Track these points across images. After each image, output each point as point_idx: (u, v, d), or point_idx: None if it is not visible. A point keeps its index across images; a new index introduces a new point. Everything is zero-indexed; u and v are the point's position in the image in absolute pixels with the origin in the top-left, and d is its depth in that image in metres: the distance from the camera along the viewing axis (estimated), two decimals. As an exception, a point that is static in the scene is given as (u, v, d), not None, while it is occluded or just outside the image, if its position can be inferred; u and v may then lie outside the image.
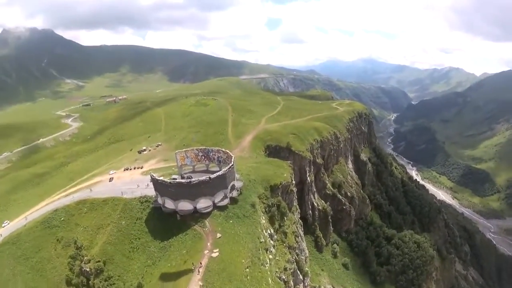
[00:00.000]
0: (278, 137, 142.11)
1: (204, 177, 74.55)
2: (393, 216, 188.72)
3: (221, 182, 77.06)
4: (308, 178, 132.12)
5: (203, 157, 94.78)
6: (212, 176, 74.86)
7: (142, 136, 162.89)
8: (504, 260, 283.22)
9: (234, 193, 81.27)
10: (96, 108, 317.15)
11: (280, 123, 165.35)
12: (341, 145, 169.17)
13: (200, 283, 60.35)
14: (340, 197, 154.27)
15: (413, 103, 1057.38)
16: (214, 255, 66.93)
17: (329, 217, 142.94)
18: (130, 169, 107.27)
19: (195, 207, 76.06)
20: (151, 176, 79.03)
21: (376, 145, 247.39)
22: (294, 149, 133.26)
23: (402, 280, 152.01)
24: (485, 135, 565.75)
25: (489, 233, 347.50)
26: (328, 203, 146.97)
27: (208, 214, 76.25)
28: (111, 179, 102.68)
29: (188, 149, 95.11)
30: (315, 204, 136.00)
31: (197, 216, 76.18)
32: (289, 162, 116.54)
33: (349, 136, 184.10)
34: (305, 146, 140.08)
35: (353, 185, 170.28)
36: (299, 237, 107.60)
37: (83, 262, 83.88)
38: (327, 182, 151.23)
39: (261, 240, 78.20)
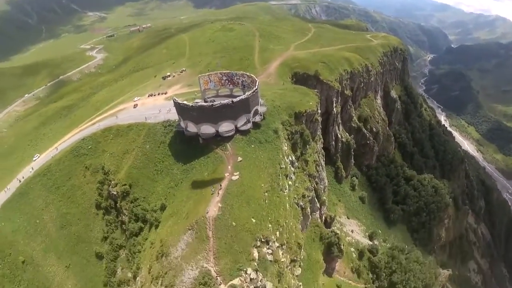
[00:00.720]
0: (307, 64, 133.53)
1: (226, 100, 71.88)
2: (415, 158, 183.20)
3: (244, 106, 74.36)
4: (334, 109, 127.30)
5: (227, 81, 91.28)
6: (235, 99, 72.10)
7: (166, 63, 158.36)
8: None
9: (257, 118, 78.86)
10: (120, 39, 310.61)
11: (310, 50, 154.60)
12: (372, 79, 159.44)
13: (220, 205, 60.47)
14: (365, 131, 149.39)
15: (452, 46, 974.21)
16: (234, 178, 66.42)
17: (352, 150, 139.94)
18: (154, 95, 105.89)
19: (217, 131, 74.61)
20: (173, 100, 77.10)
21: (408, 83, 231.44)
22: (322, 78, 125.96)
23: (414, 221, 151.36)
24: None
25: (506, 193, 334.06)
26: (352, 136, 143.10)
27: (230, 138, 74.84)
28: (135, 106, 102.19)
29: (211, 73, 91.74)
30: (339, 135, 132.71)
31: (219, 139, 75.04)
32: (316, 91, 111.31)
33: (381, 71, 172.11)
34: (334, 76, 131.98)
35: (379, 121, 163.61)
36: (320, 167, 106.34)
37: (110, 186, 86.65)
38: (353, 115, 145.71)
39: (281, 166, 77.00)
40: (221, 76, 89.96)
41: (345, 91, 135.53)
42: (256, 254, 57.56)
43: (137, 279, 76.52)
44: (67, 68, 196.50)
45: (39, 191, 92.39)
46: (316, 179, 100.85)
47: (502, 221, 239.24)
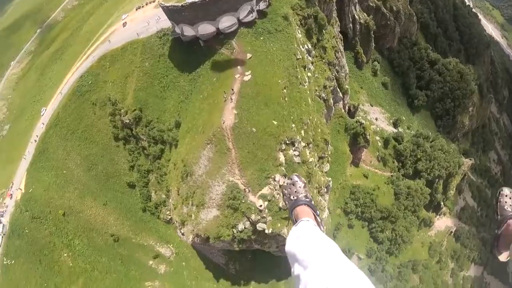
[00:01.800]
0: None
1: (219, -12, 57.56)
2: (439, 40, 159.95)
3: (243, -7, 60.00)
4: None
5: None
6: (229, -15, 57.61)
7: None
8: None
9: (262, 5, 64.34)
10: None
11: None
12: None
13: (235, 111, 51.46)
14: (385, 10, 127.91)
15: None
16: (246, 78, 55.98)
17: (371, 32, 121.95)
18: (142, 7, 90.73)
19: (217, 28, 61.73)
20: (160, 6, 63.40)
21: None
22: None
23: (438, 107, 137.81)
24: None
25: None
26: (371, 17, 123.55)
27: (234, 33, 62.12)
28: (124, 24, 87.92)
29: None
30: (357, 17, 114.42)
31: (221, 38, 62.63)
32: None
33: None
34: None
35: None
36: (339, 53, 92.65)
37: (121, 116, 79.05)
38: None
39: (298, 57, 64.97)
40: None
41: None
42: (282, 158, 50.80)
43: (169, 201, 73.14)
44: (49, 11, 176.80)
45: (56, 143, 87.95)
46: (337, 67, 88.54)
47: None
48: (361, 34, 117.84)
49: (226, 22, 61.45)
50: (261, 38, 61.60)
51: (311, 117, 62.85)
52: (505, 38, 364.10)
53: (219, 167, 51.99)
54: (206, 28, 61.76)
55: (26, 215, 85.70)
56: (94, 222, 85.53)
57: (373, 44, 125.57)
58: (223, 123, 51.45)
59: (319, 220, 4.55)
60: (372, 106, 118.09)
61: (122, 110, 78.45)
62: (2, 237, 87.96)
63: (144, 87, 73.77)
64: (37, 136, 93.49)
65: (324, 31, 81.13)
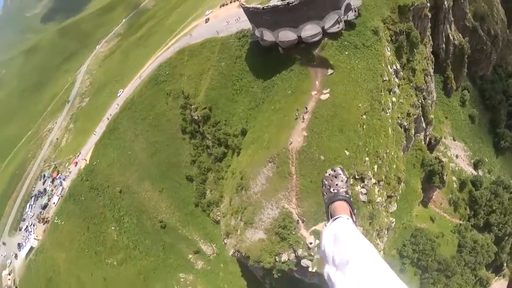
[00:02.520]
0: None
1: (308, -6, 51.48)
2: None
3: (331, 1, 53.23)
4: (446, 2, 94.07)
5: None
6: (319, -8, 51.30)
7: None
8: None
9: (350, 15, 56.98)
10: None
11: None
12: None
13: (305, 133, 45.41)
14: (482, 33, 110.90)
15: None
16: (323, 97, 49.50)
17: (465, 56, 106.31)
18: (226, 4, 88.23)
19: (299, 36, 55.78)
20: (242, 6, 59.31)
21: None
22: None
23: None
24: None
25: None
26: (466, 38, 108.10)
27: (317, 44, 55.60)
28: (207, 20, 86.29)
29: None
30: (451, 37, 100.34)
31: (302, 47, 56.64)
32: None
33: None
34: None
35: (498, 22, 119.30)
36: (429, 76, 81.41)
37: (191, 111, 77.72)
38: (467, 11, 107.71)
39: (384, 79, 56.77)
40: None
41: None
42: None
43: (220, 206, 69.85)
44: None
45: (127, 125, 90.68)
46: (424, 93, 77.69)
47: None
48: (453, 57, 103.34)
49: (310, 30, 55.22)
50: (346, 52, 54.43)
51: (388, 151, 54.51)
52: None
53: (276, 190, 46.68)
54: (287, 35, 56.24)
55: (86, 184, 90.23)
56: (147, 205, 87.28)
57: (465, 69, 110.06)
58: (290, 144, 45.83)
59: (354, 219, 4.04)
60: (454, 140, 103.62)
61: (193, 106, 77.01)
62: (59, 198, 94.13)
63: (217, 87, 70.96)
64: (110, 115, 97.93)
65: (415, 51, 71.22)
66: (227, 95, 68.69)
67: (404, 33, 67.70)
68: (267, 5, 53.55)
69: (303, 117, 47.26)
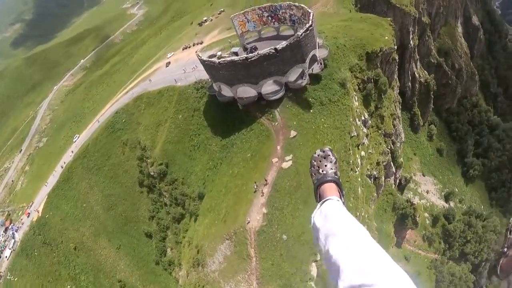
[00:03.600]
0: None
1: (267, 49, 44.92)
2: (499, 100, 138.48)
3: (295, 54, 46.92)
4: (411, 42, 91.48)
5: (269, 18, 61.61)
6: (280, 46, 44.74)
7: (204, 6, 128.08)
8: None
9: (316, 68, 50.90)
10: None
11: None
12: (452, 1, 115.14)
13: (264, 210, 37.99)
14: (446, 68, 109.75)
15: None
16: (285, 165, 42.31)
17: (431, 92, 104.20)
18: (189, 47, 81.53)
19: (259, 93, 49.13)
20: (197, 56, 52.15)
21: (491, 7, 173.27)
22: (395, 2, 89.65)
23: (494, 178, 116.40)
24: None
25: None
26: (432, 75, 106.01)
27: (279, 101, 48.99)
28: (167, 64, 78.90)
29: (247, 9, 62.18)
30: (417, 75, 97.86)
31: (264, 104, 49.80)
32: (389, 19, 77.69)
33: None
34: None
35: (462, 55, 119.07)
36: (397, 119, 76.84)
37: (148, 165, 69.30)
38: (432, 47, 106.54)
39: (352, 135, 50.67)
40: (261, 12, 60.59)
41: (422, 18, 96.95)
42: (314, 271, 37.77)
43: (179, 274, 60.76)
44: (110, 31, 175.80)
45: (81, 175, 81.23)
46: (393, 137, 72.55)
47: None
48: (420, 94, 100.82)
49: (271, 87, 48.61)
50: (311, 110, 47.94)
51: (358, 213, 47.83)
52: None
53: (235, 272, 38.76)
54: (246, 91, 49.37)
55: (38, 238, 79.95)
56: (104, 263, 77.48)
57: (432, 105, 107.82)
58: (248, 223, 38.13)
59: (343, 200, 3.92)
60: (424, 176, 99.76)
61: (149, 160, 68.43)
62: (12, 252, 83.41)
63: (174, 141, 62.85)
64: (64, 162, 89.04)
65: (383, 97, 66.20)
66: (185, 151, 60.56)
67: (372, 80, 62.80)
68: (223, 59, 46.56)
69: (262, 191, 39.69)
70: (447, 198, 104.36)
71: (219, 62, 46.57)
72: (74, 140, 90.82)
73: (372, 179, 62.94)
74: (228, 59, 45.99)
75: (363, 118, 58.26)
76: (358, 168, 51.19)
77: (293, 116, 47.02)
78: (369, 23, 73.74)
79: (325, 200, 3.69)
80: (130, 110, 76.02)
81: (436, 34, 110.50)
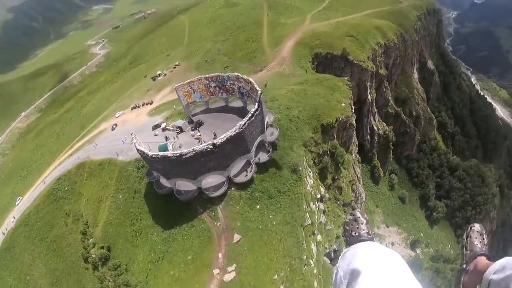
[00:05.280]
0: (330, 41, 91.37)
1: (204, 144, 38.51)
2: (457, 138, 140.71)
3: (238, 145, 40.83)
4: (369, 96, 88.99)
5: (217, 88, 55.83)
6: (219, 140, 38.44)
7: (162, 55, 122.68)
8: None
9: (263, 157, 44.81)
10: (125, 29, 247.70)
11: (331, 21, 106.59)
12: (408, 50, 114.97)
13: None
14: (404, 117, 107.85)
15: (476, 1, 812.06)
16: (227, 277, 35.52)
17: (391, 143, 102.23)
18: (138, 107, 74.15)
19: (199, 188, 42.37)
20: (132, 140, 44.83)
21: (445, 49, 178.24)
22: (352, 57, 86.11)
23: (458, 216, 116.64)
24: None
25: None
26: (390, 127, 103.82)
27: (221, 197, 42.39)
28: (113, 127, 70.74)
29: (193, 79, 55.96)
30: (375, 128, 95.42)
31: (205, 198, 42.97)
32: (346, 79, 74.32)
33: (417, 38, 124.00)
34: (366, 53, 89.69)
35: (419, 102, 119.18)
36: (357, 181, 72.40)
37: (89, 247, 59.86)
38: (389, 98, 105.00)
39: (306, 224, 44.66)
40: (207, 82, 54.69)
41: (379, 71, 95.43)
42: None
43: None
44: (69, 69, 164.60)
45: (24, 244, 71.14)
46: (353, 203, 67.54)
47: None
48: (379, 146, 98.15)
49: (212, 180, 42.03)
50: (258, 206, 41.55)
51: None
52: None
53: None
54: (184, 185, 42.55)
55: None
56: None
57: (391, 155, 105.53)
58: None
59: None
60: (388, 227, 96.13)
61: (90, 240, 58.99)
62: None
63: (115, 223, 54.27)
64: (6, 229, 76.87)
65: (341, 168, 61.43)
66: (126, 236, 52.12)
67: (329, 152, 58.02)
68: (155, 154, 39.54)
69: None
70: (413, 246, 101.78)
71: (151, 156, 39.57)
72: (16, 203, 79.75)
73: (331, 257, 57.09)
74: (161, 154, 39.05)
75: (319, 195, 52.67)
76: (314, 259, 44.84)
77: (237, 216, 40.36)
78: (325, 86, 69.88)
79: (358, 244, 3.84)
80: (72, 178, 66.90)
81: (393, 84, 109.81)
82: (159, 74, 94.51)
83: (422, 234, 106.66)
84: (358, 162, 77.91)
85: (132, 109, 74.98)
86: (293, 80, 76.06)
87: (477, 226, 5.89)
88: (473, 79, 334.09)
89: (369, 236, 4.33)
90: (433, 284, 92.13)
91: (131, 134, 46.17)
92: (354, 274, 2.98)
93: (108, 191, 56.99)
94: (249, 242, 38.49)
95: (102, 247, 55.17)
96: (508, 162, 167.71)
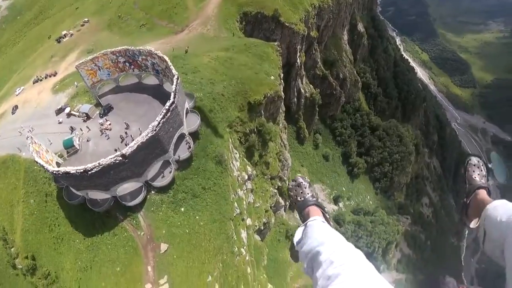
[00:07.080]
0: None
1: (112, 157, 32.19)
2: (379, 99, 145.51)
3: (153, 149, 35.19)
4: (298, 60, 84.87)
5: (127, 64, 46.18)
6: (129, 149, 32.43)
7: (69, 8, 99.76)
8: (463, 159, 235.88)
9: (183, 154, 39.80)
10: None
11: None
12: (342, 13, 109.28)
13: None
14: (331, 79, 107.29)
15: None
16: (159, 292, 32.82)
17: (316, 106, 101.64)
18: (41, 80, 60.37)
19: (114, 197, 36.91)
20: (29, 147, 36.10)
21: (375, 13, 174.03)
22: (284, 19, 78.53)
23: (377, 171, 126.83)
24: (478, 28, 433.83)
25: (455, 123, 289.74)
26: (317, 89, 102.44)
27: (141, 204, 37.71)
28: (14, 110, 57.17)
29: (98, 54, 45.16)
30: (302, 90, 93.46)
31: (123, 205, 37.89)
32: (276, 44, 68.27)
33: (351, 1, 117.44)
34: (298, 15, 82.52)
35: (347, 64, 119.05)
36: (284, 149, 71.63)
37: (13, 256, 51.15)
38: (318, 60, 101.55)
39: (235, 214, 42.97)
40: (115, 57, 44.98)
41: (310, 33, 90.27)
42: None
43: None
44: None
45: None
46: (280, 174, 67.52)
47: (452, 155, 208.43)
48: (305, 108, 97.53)
49: (127, 188, 36.72)
50: (182, 209, 38.00)
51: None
52: (432, 80, 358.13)
53: None
54: (97, 195, 36.70)
55: None
56: None
57: (317, 117, 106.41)
58: None
59: (327, 216, 4.33)
60: (313, 185, 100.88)
61: (13, 250, 50.45)
62: None
63: (32, 230, 46.47)
64: None
65: (268, 144, 59.41)
66: (48, 243, 45.36)
67: (255, 130, 55.00)
68: (57, 170, 32.35)
69: None
70: (336, 201, 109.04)
71: (52, 172, 32.52)
72: None
73: (260, 233, 58.18)
74: (62, 170, 32.06)
75: (246, 176, 50.80)
76: (245, 247, 44.36)
77: (161, 223, 36.59)
78: (253, 54, 63.57)
79: (307, 222, 4.10)
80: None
81: (322, 46, 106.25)
82: (64, 35, 76.61)
83: (344, 189, 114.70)
84: (285, 129, 76.81)
85: (34, 83, 61.22)
86: (218, 44, 67.42)
87: (473, 160, 5.60)
88: (397, 40, 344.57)
89: (314, 199, 4.58)
90: (355, 235, 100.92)
91: (27, 138, 37.04)
92: (314, 255, 3.48)
93: (17, 194, 47.82)
94: (178, 249, 35.68)
95: (27, 257, 47.78)
96: (424, 122, 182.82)
